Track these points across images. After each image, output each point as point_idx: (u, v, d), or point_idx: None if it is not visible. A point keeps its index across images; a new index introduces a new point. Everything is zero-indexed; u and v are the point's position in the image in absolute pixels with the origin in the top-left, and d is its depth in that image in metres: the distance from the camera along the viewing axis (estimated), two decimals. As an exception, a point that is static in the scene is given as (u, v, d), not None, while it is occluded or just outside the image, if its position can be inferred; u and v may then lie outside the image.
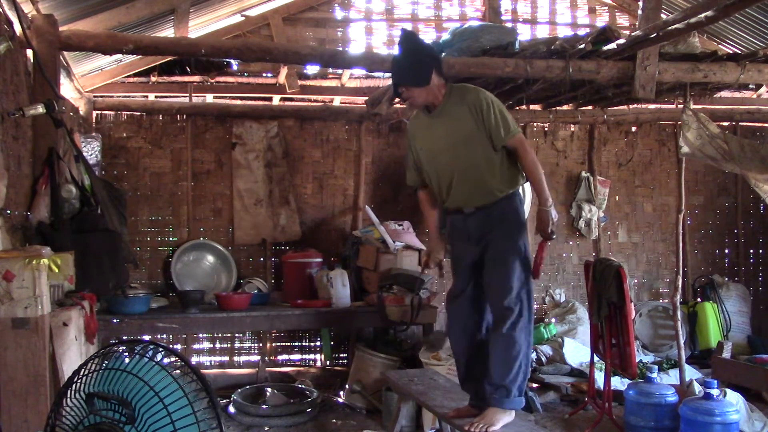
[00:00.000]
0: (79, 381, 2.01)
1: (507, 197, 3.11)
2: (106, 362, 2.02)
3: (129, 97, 5.80)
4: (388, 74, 5.54)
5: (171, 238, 5.81)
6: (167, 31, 5.18)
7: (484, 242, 3.12)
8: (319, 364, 6.00)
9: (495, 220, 3.10)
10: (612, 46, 4.57)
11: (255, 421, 4.65)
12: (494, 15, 6.07)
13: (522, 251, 3.09)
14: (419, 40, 3.34)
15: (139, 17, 4.51)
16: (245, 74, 5.96)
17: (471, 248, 3.17)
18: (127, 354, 2.03)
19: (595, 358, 4.62)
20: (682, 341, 4.80)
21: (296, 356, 6.02)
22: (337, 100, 6.21)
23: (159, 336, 5.25)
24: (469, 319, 3.19)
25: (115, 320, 4.52)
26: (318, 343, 5.98)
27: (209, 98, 6.02)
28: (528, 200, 6.02)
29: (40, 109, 3.32)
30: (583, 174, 6.52)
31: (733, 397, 4.12)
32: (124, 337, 4.44)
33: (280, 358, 5.99)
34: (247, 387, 5.15)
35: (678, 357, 4.76)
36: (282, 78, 5.88)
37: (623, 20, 6.52)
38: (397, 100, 5.43)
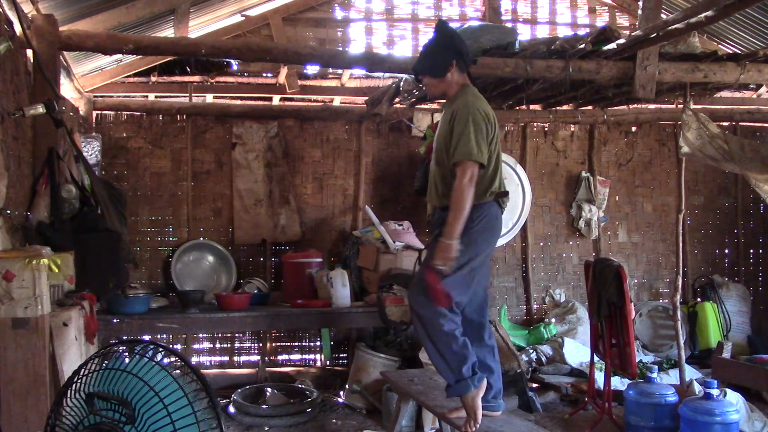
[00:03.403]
0: (79, 381, 2.01)
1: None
2: (106, 362, 2.02)
3: (129, 97, 5.80)
4: (389, 74, 5.57)
5: (171, 238, 5.81)
6: (167, 31, 5.18)
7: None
8: (319, 364, 6.00)
9: (442, 224, 3.12)
10: (612, 46, 4.57)
11: (255, 421, 4.65)
12: (494, 15, 6.07)
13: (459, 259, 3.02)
14: (449, 32, 3.27)
15: (139, 17, 4.51)
16: (245, 74, 5.96)
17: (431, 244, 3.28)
18: (127, 354, 2.03)
19: (595, 358, 4.63)
20: (682, 341, 4.80)
21: (296, 356, 6.02)
22: (337, 100, 6.21)
23: (159, 336, 5.26)
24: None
25: (115, 320, 4.52)
26: (318, 343, 5.98)
27: (209, 98, 6.02)
28: (528, 200, 6.04)
29: (40, 109, 3.32)
30: (583, 174, 6.51)
31: (733, 397, 4.12)
32: (124, 337, 4.44)
33: (280, 358, 5.99)
34: (247, 387, 5.16)
35: (678, 357, 4.76)
36: (282, 78, 5.88)
37: (623, 20, 6.52)
38: (397, 100, 5.45)
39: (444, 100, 3.39)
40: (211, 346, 5.89)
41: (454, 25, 5.52)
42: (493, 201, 3.16)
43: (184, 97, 5.91)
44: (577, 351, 5.47)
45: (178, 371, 2.00)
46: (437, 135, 3.27)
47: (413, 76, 3.40)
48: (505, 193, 3.22)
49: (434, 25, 3.27)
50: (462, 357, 3.04)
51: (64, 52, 4.31)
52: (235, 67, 5.86)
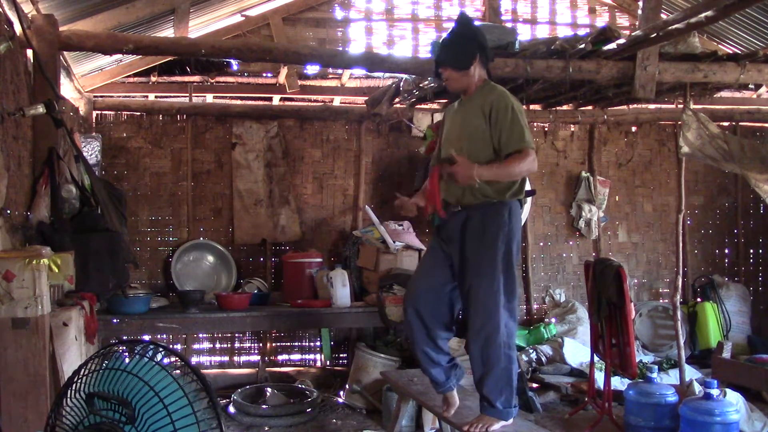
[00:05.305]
0: (79, 381, 2.01)
1: (494, 204, 3.01)
2: (106, 362, 2.02)
3: (129, 97, 5.80)
4: (389, 74, 5.57)
5: (171, 238, 5.81)
6: (167, 31, 5.19)
7: (460, 246, 3.06)
8: (319, 364, 6.00)
9: (476, 227, 3.01)
10: (612, 46, 4.57)
11: (255, 421, 4.65)
12: (494, 15, 6.07)
13: (503, 264, 2.99)
14: (472, 26, 3.21)
15: (139, 17, 4.51)
16: (245, 74, 5.96)
17: (445, 246, 3.15)
18: (127, 354, 2.03)
19: (595, 358, 4.62)
20: (682, 341, 4.80)
21: (296, 356, 6.02)
22: (337, 100, 6.21)
23: (159, 336, 5.26)
24: (433, 312, 3.17)
25: (115, 320, 4.52)
26: (318, 343, 5.98)
27: (209, 98, 6.02)
28: (527, 208, 6.04)
29: (41, 109, 3.32)
30: (583, 174, 6.52)
31: (733, 397, 4.12)
32: (124, 337, 4.44)
33: (280, 358, 5.99)
34: (247, 387, 5.16)
35: (678, 357, 4.76)
36: (282, 78, 5.88)
37: (623, 20, 6.52)
38: (397, 100, 5.45)
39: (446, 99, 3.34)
40: (211, 346, 5.88)
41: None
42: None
43: (184, 97, 5.91)
44: (577, 351, 5.47)
45: (178, 371, 2.00)
46: (464, 134, 3.09)
47: (433, 69, 3.29)
48: (532, 192, 3.21)
49: (457, 17, 3.18)
50: (515, 386, 3.11)
51: (64, 52, 4.31)
52: (235, 67, 5.86)
